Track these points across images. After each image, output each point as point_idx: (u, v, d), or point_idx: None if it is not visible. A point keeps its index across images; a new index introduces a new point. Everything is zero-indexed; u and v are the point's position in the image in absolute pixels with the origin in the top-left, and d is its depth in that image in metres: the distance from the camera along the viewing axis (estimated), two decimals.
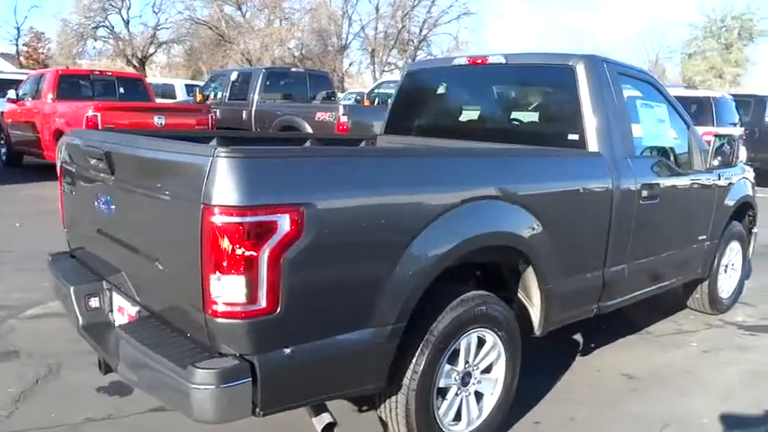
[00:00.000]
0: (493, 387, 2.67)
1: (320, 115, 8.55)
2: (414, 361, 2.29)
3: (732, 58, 43.28)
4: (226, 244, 1.77)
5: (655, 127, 3.63)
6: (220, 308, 1.81)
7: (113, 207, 2.30)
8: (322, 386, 2.07)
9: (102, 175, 2.35)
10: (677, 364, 3.68)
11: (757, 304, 4.85)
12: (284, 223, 1.82)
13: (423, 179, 2.23)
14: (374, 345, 2.11)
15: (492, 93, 3.83)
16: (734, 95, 11.26)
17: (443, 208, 2.24)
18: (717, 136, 3.80)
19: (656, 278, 3.66)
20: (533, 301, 2.83)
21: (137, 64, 33.29)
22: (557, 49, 41.57)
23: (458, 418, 2.55)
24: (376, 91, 12.53)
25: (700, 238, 3.99)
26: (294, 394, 2.00)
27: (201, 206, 1.79)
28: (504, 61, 3.54)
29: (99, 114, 7.90)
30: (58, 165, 2.95)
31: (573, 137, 3.17)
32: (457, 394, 2.53)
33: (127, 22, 33.52)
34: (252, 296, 1.81)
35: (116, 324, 2.58)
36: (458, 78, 3.91)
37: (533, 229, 2.63)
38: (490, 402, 2.66)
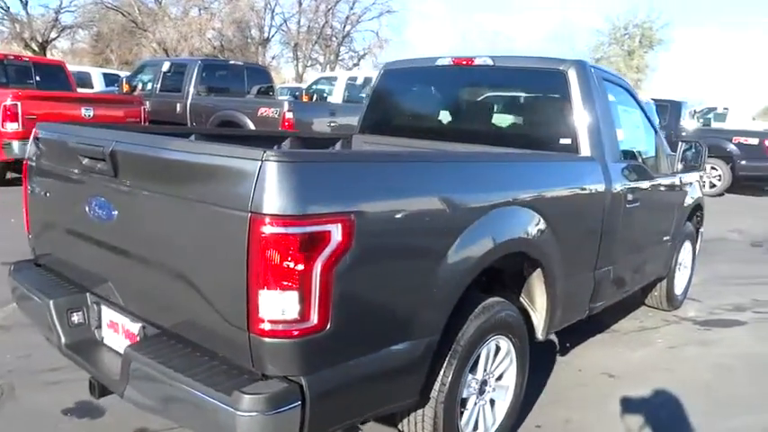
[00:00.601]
0: (505, 394, 2.64)
1: (264, 111, 8.24)
2: (442, 372, 2.21)
3: (634, 64, 46.10)
4: (277, 257, 1.61)
5: (631, 131, 3.73)
6: (269, 326, 1.65)
7: (115, 213, 2.06)
8: (364, 405, 1.95)
9: (98, 176, 2.10)
10: (650, 362, 3.82)
11: (703, 300, 5.13)
12: (336, 233, 1.69)
13: (459, 185, 2.16)
14: (415, 357, 2.02)
15: (478, 95, 3.79)
16: (654, 100, 11.97)
17: (477, 214, 2.18)
18: (683, 141, 3.98)
19: (634, 278, 3.78)
20: (537, 305, 2.82)
21: (36, 48, 30.84)
22: (477, 48, 42.69)
23: (475, 427, 2.50)
24: (314, 87, 12.30)
25: (665, 238, 4.17)
26: (338, 415, 1.86)
27: (249, 216, 1.62)
28: (491, 63, 3.51)
29: (19, 103, 7.20)
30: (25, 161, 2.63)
31: (565, 141, 3.19)
32: (475, 404, 2.48)
33: (25, 3, 30.95)
34: (304, 313, 1.66)
35: (105, 341, 2.34)
36: (441, 79, 3.85)
37: (546, 233, 2.62)
38: (502, 409, 2.64)
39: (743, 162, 11.84)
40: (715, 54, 63.68)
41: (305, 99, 10.78)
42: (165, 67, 9.84)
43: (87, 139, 2.12)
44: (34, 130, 2.68)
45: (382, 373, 1.94)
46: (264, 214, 1.60)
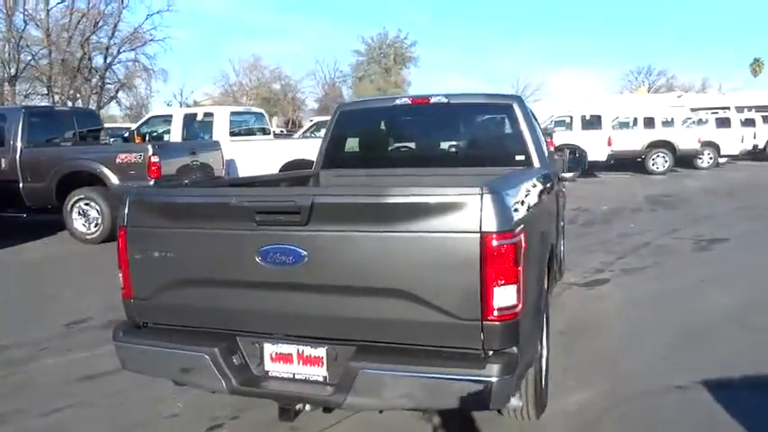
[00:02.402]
0: (544, 351, 3.49)
1: (124, 157, 7.89)
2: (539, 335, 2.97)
3: (392, 80, 50.72)
4: (503, 261, 2.24)
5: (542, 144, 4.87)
6: (498, 313, 2.27)
7: (305, 254, 2.41)
8: (528, 363, 2.63)
9: (278, 227, 2.42)
10: (577, 318, 5.00)
11: (571, 269, 6.58)
12: (523, 240, 2.36)
13: (544, 191, 3.03)
14: (540, 322, 2.77)
15: (438, 126, 4.58)
16: None
17: (543, 208, 3.06)
18: (567, 148, 5.26)
19: (561, 253, 4.93)
20: None
21: None
22: (245, 73, 42.97)
23: None
24: (145, 127, 11.67)
25: (562, 222, 5.42)
26: (523, 372, 2.52)
27: (480, 235, 2.22)
28: (446, 101, 4.34)
29: None
30: (125, 229, 2.73)
31: (520, 158, 4.16)
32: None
33: None
34: (518, 299, 2.31)
35: (271, 373, 2.62)
36: (401, 115, 4.56)
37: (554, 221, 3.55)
38: (543, 361, 3.48)
39: None
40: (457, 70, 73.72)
41: (138, 140, 10.36)
42: None
43: (269, 197, 2.44)
44: (128, 197, 2.78)
45: (533, 337, 2.66)
46: (491, 232, 2.22)
